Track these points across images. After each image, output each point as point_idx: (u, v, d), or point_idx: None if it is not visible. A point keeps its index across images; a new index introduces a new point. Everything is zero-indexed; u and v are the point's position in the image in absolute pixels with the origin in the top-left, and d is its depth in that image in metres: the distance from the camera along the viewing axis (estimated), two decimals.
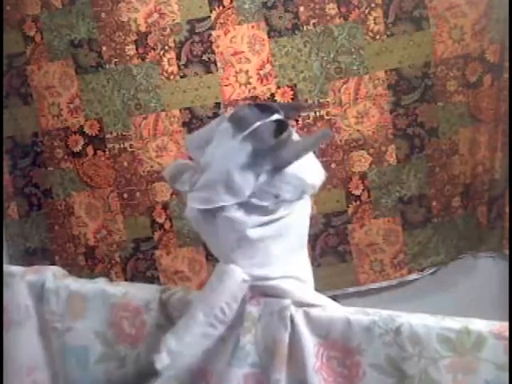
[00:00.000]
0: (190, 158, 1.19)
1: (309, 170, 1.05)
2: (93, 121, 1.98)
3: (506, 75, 1.79)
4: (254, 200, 1.01)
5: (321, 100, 1.89)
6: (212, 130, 1.08)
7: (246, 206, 1.02)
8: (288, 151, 1.00)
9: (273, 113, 1.04)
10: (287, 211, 1.04)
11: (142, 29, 1.90)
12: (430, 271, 1.96)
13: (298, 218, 1.07)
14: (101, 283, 1.23)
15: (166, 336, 1.02)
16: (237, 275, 1.03)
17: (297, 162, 1.00)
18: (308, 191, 1.07)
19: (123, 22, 1.91)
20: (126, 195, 2.00)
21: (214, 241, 1.10)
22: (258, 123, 1.00)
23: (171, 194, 1.97)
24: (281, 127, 1.02)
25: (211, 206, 1.01)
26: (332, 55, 1.86)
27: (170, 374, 1.03)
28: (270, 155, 0.99)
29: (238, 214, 1.01)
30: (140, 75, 1.93)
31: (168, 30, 1.90)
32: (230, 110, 1.24)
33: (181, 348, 1.01)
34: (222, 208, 1.01)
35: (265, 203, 1.02)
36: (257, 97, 1.89)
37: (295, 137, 1.06)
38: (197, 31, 1.89)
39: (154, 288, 1.21)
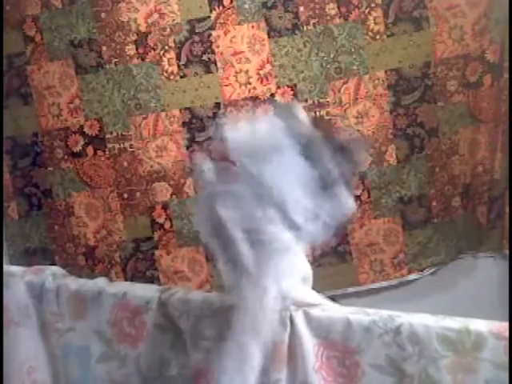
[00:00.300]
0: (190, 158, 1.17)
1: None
2: (93, 121, 1.98)
3: (506, 75, 1.79)
4: (298, 219, 0.98)
5: (321, 100, 1.89)
6: (272, 145, 1.00)
7: (290, 224, 0.99)
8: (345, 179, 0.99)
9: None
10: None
11: (142, 29, 1.90)
12: (430, 271, 1.95)
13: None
14: (101, 283, 1.23)
15: (222, 378, 0.97)
16: (273, 293, 0.98)
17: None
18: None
19: (123, 22, 1.91)
20: (125, 195, 2.00)
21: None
22: (327, 155, 0.98)
23: (171, 194, 1.97)
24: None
25: (255, 226, 0.97)
26: (332, 55, 1.86)
27: (170, 374, 1.03)
28: (330, 183, 0.98)
29: (285, 236, 0.98)
30: (140, 75, 1.93)
31: (168, 30, 1.90)
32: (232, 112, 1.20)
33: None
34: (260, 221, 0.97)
35: (310, 226, 1.00)
36: (257, 97, 1.89)
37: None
38: (197, 31, 1.89)
39: (154, 288, 1.21)
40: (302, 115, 1.05)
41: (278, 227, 0.97)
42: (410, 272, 1.95)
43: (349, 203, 1.02)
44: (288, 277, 1.02)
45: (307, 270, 1.12)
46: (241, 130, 1.03)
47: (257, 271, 0.97)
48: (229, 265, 1.03)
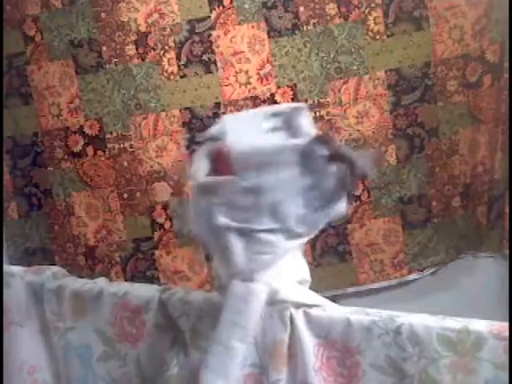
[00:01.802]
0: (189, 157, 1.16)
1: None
2: (93, 121, 1.98)
3: (506, 75, 1.79)
4: (294, 227, 0.99)
5: (321, 100, 1.89)
6: (273, 155, 1.01)
7: (285, 232, 1.00)
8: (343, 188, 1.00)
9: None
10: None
11: (142, 29, 1.90)
12: (430, 271, 1.95)
13: None
14: (101, 283, 1.23)
15: (206, 377, 0.97)
16: (262, 296, 1.00)
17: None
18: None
19: (123, 21, 1.91)
20: (126, 195, 2.00)
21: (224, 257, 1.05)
22: (325, 165, 0.99)
23: (171, 194, 1.97)
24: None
25: (249, 226, 0.98)
26: (332, 55, 1.86)
27: (170, 374, 1.04)
28: (327, 192, 0.99)
29: (274, 238, 0.99)
30: (140, 75, 1.93)
31: (168, 30, 1.90)
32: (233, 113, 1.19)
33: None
34: (256, 229, 0.98)
35: (302, 231, 1.01)
36: (257, 97, 1.89)
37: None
38: (197, 31, 1.89)
39: (154, 288, 1.21)
40: (306, 120, 1.05)
41: (274, 234, 0.98)
42: (410, 272, 1.95)
43: (341, 208, 1.03)
44: (282, 279, 1.03)
45: (305, 271, 1.12)
46: (242, 139, 1.03)
47: (248, 272, 0.98)
48: (222, 265, 1.05)
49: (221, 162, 1.01)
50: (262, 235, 0.98)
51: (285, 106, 1.06)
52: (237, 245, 0.98)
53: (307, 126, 1.05)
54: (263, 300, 1.00)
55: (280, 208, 0.97)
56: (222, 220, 0.97)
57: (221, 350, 0.98)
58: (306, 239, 1.04)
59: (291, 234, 0.99)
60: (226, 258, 1.00)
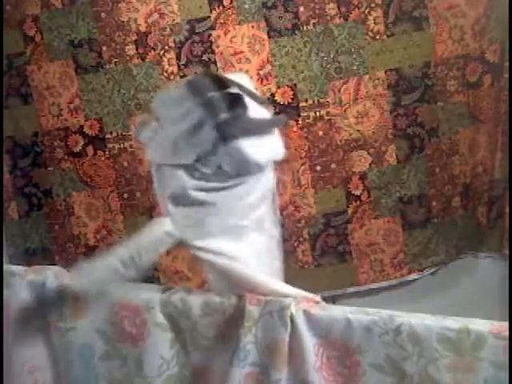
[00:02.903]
0: None
1: (257, 148, 1.06)
2: (93, 121, 1.98)
3: (506, 75, 1.79)
4: (197, 165, 1.04)
5: (321, 100, 1.89)
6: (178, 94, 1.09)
7: (190, 170, 1.05)
8: (238, 126, 1.02)
9: (229, 87, 1.05)
10: (231, 183, 1.06)
11: (142, 29, 1.91)
12: (430, 271, 1.96)
13: (244, 196, 1.09)
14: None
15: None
16: (163, 226, 1.06)
17: (246, 138, 1.03)
18: (252, 169, 1.07)
19: (123, 21, 1.91)
20: (126, 195, 2.00)
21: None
22: (213, 93, 1.02)
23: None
24: (236, 101, 1.03)
25: (158, 162, 1.07)
26: (332, 55, 1.87)
27: (170, 373, 1.04)
28: (219, 126, 1.01)
29: (180, 173, 1.05)
30: (140, 75, 1.93)
31: (168, 30, 1.90)
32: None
33: (91, 269, 1.07)
34: (168, 165, 1.06)
35: (207, 170, 1.04)
36: None
37: (255, 114, 1.07)
38: (197, 31, 1.89)
39: (155, 288, 1.21)
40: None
41: (178, 166, 1.05)
42: (410, 272, 1.95)
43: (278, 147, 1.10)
44: (183, 219, 1.07)
45: (254, 253, 1.13)
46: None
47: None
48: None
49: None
50: (171, 170, 1.06)
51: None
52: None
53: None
54: (162, 231, 1.07)
55: (177, 143, 1.04)
56: (147, 159, 1.13)
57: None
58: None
59: (196, 172, 1.05)
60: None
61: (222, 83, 1.05)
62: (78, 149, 2.01)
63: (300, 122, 1.89)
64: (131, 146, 1.97)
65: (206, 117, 1.01)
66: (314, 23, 1.85)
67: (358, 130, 1.89)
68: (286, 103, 1.90)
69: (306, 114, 1.89)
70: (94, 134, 1.99)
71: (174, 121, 1.05)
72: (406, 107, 1.87)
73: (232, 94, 1.03)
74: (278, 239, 1.20)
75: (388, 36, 1.84)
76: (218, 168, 1.04)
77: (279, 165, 1.17)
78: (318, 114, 1.89)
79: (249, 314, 1.04)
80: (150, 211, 1.99)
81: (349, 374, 1.01)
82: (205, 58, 1.90)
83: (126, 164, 1.98)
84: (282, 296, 1.05)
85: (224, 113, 1.01)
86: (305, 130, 1.89)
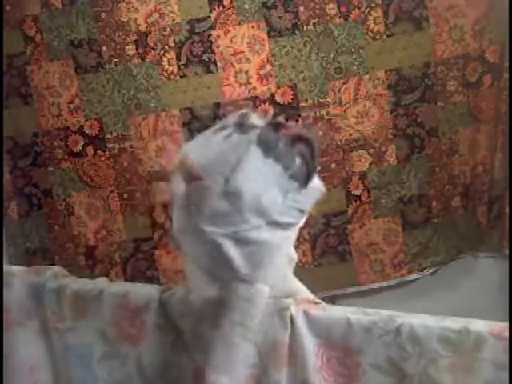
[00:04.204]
0: None
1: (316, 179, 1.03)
2: (93, 121, 1.98)
3: (506, 75, 1.79)
4: (278, 218, 0.97)
5: (321, 100, 1.89)
6: (237, 155, 0.98)
7: (272, 225, 0.97)
8: (310, 165, 0.99)
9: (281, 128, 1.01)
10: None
11: (142, 29, 1.90)
12: (430, 271, 1.95)
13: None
14: (101, 283, 1.23)
15: (210, 375, 0.99)
16: (265, 295, 1.01)
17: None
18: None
19: (123, 22, 1.91)
20: (125, 195, 2.00)
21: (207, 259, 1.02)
22: (282, 145, 0.97)
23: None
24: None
25: (237, 229, 0.96)
26: (332, 55, 1.86)
27: (170, 374, 1.03)
28: (297, 173, 0.97)
29: (265, 235, 0.97)
30: (140, 75, 1.93)
31: (168, 30, 1.90)
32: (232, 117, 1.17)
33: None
34: (247, 230, 0.97)
35: (290, 220, 0.99)
36: (257, 97, 1.89)
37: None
38: (197, 31, 1.89)
39: (154, 288, 1.21)
40: (255, 117, 1.04)
41: (262, 230, 0.96)
42: (410, 272, 1.95)
43: (318, 186, 1.03)
44: (279, 272, 1.03)
45: (292, 254, 1.11)
46: (198, 148, 1.02)
47: (249, 274, 0.98)
48: (213, 271, 1.01)
49: (192, 178, 1.01)
50: (251, 235, 0.96)
51: (230, 117, 1.06)
52: (231, 249, 0.96)
53: (258, 121, 1.03)
54: (266, 299, 1.00)
55: (259, 202, 0.95)
56: (210, 229, 0.95)
57: (225, 348, 0.99)
58: (297, 226, 1.02)
59: (279, 226, 0.98)
60: (220, 265, 0.98)
61: (276, 126, 1.00)
62: (77, 149, 2.01)
63: (300, 122, 1.89)
64: (131, 146, 1.97)
65: (285, 168, 0.96)
66: (314, 23, 1.85)
67: (358, 130, 1.89)
68: (286, 103, 1.90)
69: (305, 114, 1.89)
70: (93, 134, 1.99)
71: (253, 184, 0.96)
72: (406, 107, 1.87)
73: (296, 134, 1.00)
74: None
75: (388, 36, 1.84)
76: (300, 213, 1.01)
77: None
78: (317, 114, 1.89)
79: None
80: (150, 211, 1.99)
81: (349, 375, 1.01)
82: (205, 57, 1.90)
83: (126, 164, 1.98)
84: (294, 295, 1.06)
85: (297, 159, 0.97)
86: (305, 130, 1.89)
